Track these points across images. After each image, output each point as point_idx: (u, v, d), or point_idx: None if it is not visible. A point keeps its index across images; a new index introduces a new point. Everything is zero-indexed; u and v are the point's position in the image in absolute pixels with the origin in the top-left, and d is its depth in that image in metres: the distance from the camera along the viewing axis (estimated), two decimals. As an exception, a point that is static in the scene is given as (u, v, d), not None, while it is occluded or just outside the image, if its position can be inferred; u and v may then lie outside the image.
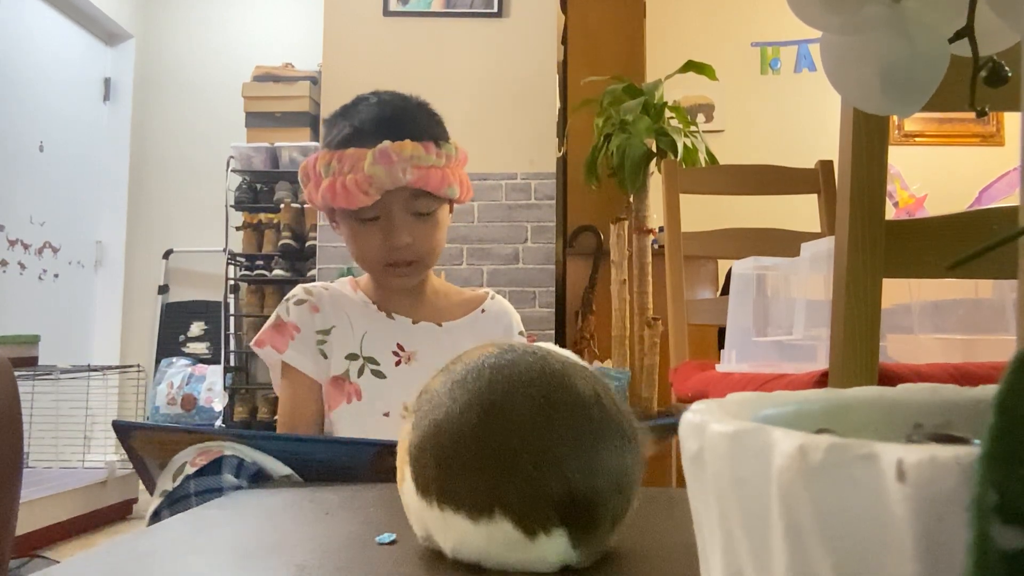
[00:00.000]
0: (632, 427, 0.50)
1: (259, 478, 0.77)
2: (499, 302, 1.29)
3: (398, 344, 1.18)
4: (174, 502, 0.74)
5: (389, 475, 0.81)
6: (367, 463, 0.83)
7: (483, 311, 1.26)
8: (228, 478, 0.74)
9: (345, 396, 1.14)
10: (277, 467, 0.78)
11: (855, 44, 0.43)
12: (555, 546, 0.46)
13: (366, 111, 1.15)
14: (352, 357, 1.16)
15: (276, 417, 1.24)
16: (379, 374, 1.16)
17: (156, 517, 0.74)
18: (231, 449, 0.77)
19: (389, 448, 0.82)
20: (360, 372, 1.15)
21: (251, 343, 1.20)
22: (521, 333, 1.29)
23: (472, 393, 0.48)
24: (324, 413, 1.16)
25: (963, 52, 0.40)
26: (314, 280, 3.38)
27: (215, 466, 0.75)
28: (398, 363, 1.17)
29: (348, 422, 1.13)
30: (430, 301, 1.24)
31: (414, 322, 1.20)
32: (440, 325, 1.22)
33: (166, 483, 0.75)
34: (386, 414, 1.14)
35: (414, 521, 0.52)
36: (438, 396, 0.50)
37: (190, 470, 0.75)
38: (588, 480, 0.46)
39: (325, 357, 1.16)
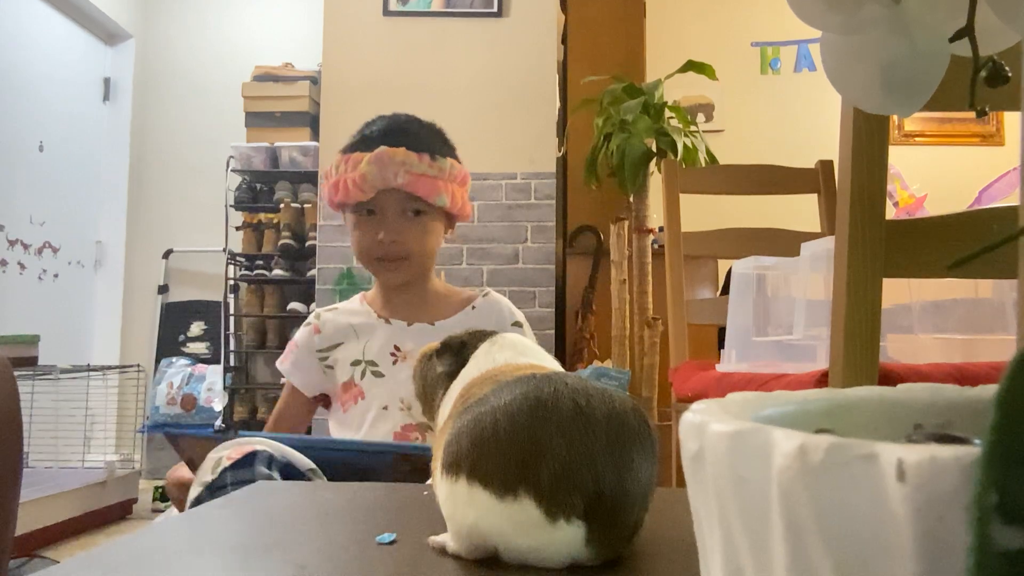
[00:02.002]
0: (657, 446, 0.51)
1: (289, 471, 0.85)
2: (491, 299, 1.38)
3: (395, 346, 1.30)
4: (214, 491, 0.81)
5: (407, 477, 0.90)
6: (386, 467, 0.92)
7: (473, 308, 1.35)
8: (261, 470, 0.82)
9: (352, 398, 1.28)
10: (303, 461, 0.86)
11: (855, 44, 0.43)
12: (571, 538, 0.46)
13: (376, 124, 1.31)
14: (356, 363, 1.30)
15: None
16: (378, 374, 1.28)
17: (197, 503, 0.81)
18: (262, 445, 0.85)
19: (404, 454, 0.93)
20: (363, 375, 1.29)
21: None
22: (517, 324, 1.35)
23: (516, 393, 0.50)
24: (304, 424, 1.37)
25: (963, 52, 0.40)
26: (314, 280, 3.38)
27: (249, 459, 0.83)
28: (395, 362, 1.29)
29: (355, 419, 1.27)
30: (428, 304, 1.35)
31: (408, 324, 1.32)
32: (433, 324, 1.32)
33: (205, 475, 0.83)
34: (385, 407, 1.26)
35: (442, 509, 0.53)
36: (483, 398, 0.51)
37: (226, 463, 0.82)
38: (619, 480, 0.47)
39: (332, 369, 1.32)
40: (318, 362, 1.32)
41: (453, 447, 0.50)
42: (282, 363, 1.36)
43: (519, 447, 0.47)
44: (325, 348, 1.32)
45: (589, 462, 0.46)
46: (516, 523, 0.46)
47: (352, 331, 1.32)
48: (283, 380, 1.38)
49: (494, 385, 0.53)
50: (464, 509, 0.48)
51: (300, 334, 1.36)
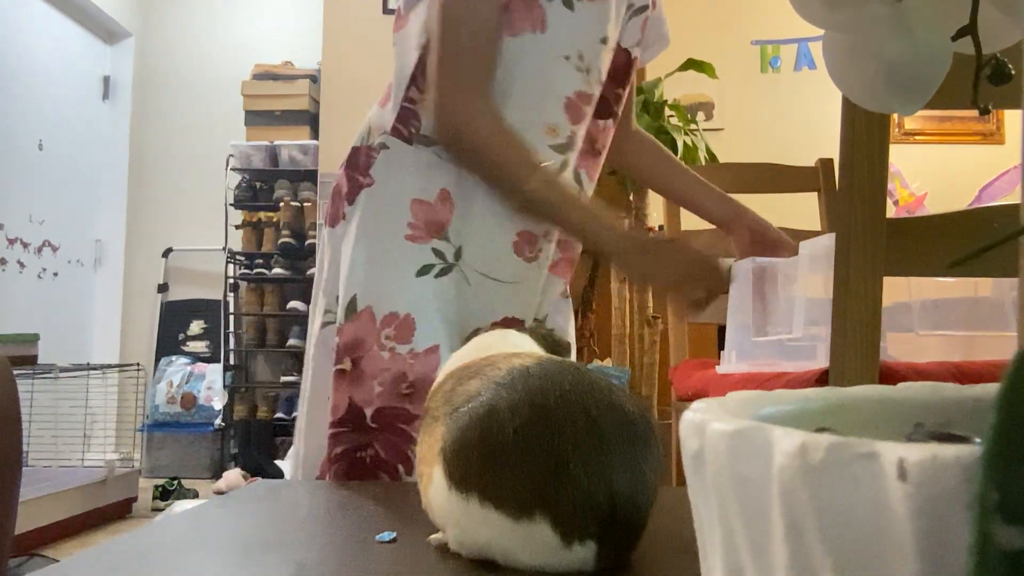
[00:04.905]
0: (662, 450, 0.50)
1: None
2: None
3: None
4: None
5: None
6: None
7: None
8: None
9: (531, 23, 0.90)
10: None
11: (858, 42, 0.43)
12: (583, 558, 0.46)
13: None
14: None
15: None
16: (568, 3, 0.92)
17: None
18: None
19: None
20: None
21: None
22: None
23: (520, 394, 0.47)
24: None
25: (965, 50, 0.40)
26: (312, 280, 3.37)
27: None
28: None
29: (524, 60, 0.91)
30: None
31: None
32: None
33: None
34: (567, 57, 0.93)
35: (437, 518, 0.51)
36: (478, 397, 0.49)
37: None
38: (632, 496, 0.46)
39: None
40: None
41: (461, 458, 0.48)
42: None
43: (535, 467, 0.45)
44: None
45: (605, 481, 0.45)
46: (529, 545, 0.45)
47: None
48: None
49: (481, 379, 0.51)
50: (476, 528, 0.47)
51: None
